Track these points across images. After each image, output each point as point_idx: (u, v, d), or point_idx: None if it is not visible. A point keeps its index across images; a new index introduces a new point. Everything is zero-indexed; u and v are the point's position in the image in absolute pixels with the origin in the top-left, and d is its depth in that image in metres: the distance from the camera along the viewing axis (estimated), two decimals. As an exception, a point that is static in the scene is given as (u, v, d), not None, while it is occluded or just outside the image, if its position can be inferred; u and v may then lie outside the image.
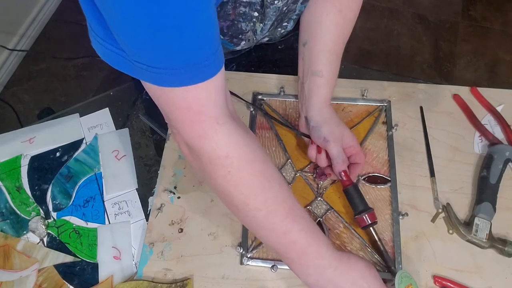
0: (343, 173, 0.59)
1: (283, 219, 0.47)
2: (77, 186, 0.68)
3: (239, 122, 0.48)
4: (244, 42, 0.70)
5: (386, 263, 0.58)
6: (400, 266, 0.57)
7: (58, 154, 0.71)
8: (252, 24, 0.66)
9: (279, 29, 0.71)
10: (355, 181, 0.64)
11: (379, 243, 0.58)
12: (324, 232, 0.60)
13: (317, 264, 0.48)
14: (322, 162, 0.62)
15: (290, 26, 0.71)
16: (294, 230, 0.47)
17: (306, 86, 0.63)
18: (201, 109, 0.42)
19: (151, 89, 0.41)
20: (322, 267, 0.48)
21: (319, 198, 0.63)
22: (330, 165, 0.62)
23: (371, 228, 0.58)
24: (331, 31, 0.61)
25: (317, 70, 0.62)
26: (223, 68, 0.42)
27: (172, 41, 0.35)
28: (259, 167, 0.46)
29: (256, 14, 0.64)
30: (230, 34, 0.68)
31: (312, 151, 0.63)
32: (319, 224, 0.61)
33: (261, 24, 0.67)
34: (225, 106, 0.44)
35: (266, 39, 0.74)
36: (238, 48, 0.72)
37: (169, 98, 0.41)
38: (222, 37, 0.69)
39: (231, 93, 0.70)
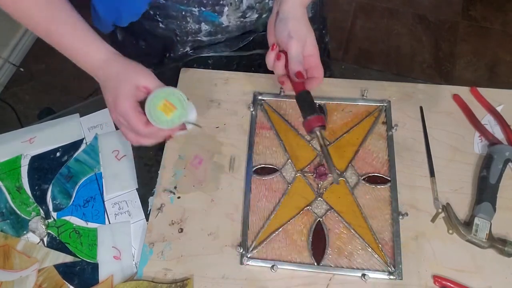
0: (297, 74, 0.57)
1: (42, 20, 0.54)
2: (77, 186, 0.68)
3: None
4: (227, 8, 0.68)
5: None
6: (400, 266, 0.57)
7: (58, 154, 0.71)
8: None
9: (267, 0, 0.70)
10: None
11: (324, 148, 0.56)
12: (324, 232, 0.61)
13: (90, 66, 0.55)
14: (279, 69, 0.60)
15: None
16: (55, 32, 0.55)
17: None
18: None
19: None
20: (92, 68, 0.56)
21: (319, 198, 0.63)
22: (286, 75, 0.60)
23: (318, 133, 0.56)
24: None
25: None
26: None
27: None
28: None
29: None
30: (211, 3, 0.67)
31: (270, 56, 0.60)
32: (319, 224, 0.61)
33: None
34: None
35: (256, 16, 0.72)
36: (223, 18, 0.70)
37: None
38: (203, 9, 0.68)
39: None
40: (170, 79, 0.73)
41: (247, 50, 0.80)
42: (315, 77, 0.60)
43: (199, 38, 0.76)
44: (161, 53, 0.82)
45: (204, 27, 0.72)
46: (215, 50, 0.79)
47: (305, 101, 0.57)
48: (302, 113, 0.57)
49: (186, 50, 0.79)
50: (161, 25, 0.73)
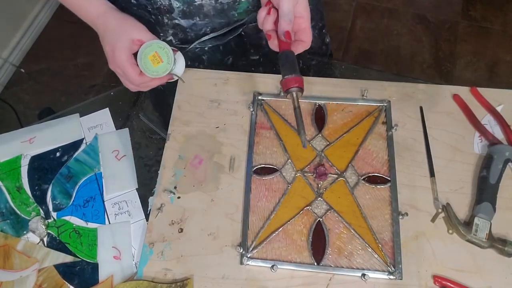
0: (285, 33, 0.56)
1: None
2: (77, 186, 0.68)
3: None
4: None
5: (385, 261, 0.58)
6: (400, 266, 0.57)
7: (58, 154, 0.71)
8: None
9: None
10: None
11: (297, 109, 0.55)
12: (324, 232, 0.61)
13: (90, 19, 0.62)
14: (269, 24, 0.59)
15: None
16: None
17: None
18: None
19: None
20: (92, 21, 0.62)
21: (319, 198, 0.63)
22: (274, 30, 0.59)
23: (294, 94, 0.54)
24: None
25: None
26: None
27: None
28: None
29: None
30: None
31: (262, 12, 0.59)
32: (319, 224, 0.61)
33: None
34: None
35: None
36: None
37: None
38: None
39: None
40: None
41: (239, 47, 0.79)
42: (302, 41, 0.59)
43: (177, 22, 0.74)
44: None
45: (175, 4, 0.71)
46: (204, 43, 0.78)
47: (287, 60, 0.56)
48: (281, 72, 0.56)
49: (169, 38, 0.78)
50: (132, 0, 0.73)
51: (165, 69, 0.63)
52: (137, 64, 0.62)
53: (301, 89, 0.55)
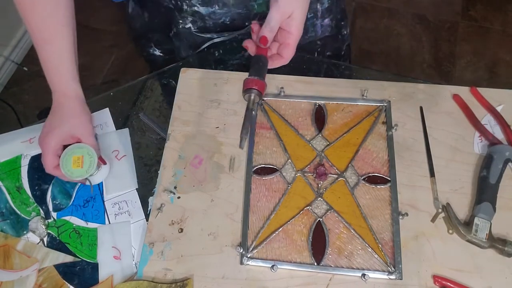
0: (261, 38, 0.56)
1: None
2: (77, 186, 0.68)
3: None
4: None
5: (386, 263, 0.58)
6: (400, 266, 0.57)
7: (58, 154, 0.71)
8: None
9: None
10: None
11: (249, 111, 0.56)
12: (324, 232, 0.61)
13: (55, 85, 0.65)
14: (253, 37, 0.59)
15: None
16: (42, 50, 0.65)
17: None
18: None
19: None
20: (55, 88, 0.64)
21: (319, 198, 0.63)
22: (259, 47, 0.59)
23: (251, 96, 0.55)
24: None
25: None
26: None
27: None
28: None
29: None
30: None
31: (254, 26, 0.59)
32: (319, 224, 0.61)
33: None
34: None
35: None
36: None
37: None
38: None
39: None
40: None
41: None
42: (281, 56, 0.58)
43: (196, 9, 0.73)
44: (164, 28, 0.81)
45: None
46: (221, 35, 0.77)
47: (258, 63, 0.56)
48: (249, 72, 0.56)
49: (188, 25, 0.77)
50: None
51: (80, 175, 0.62)
52: (59, 156, 0.62)
53: (259, 93, 0.56)
